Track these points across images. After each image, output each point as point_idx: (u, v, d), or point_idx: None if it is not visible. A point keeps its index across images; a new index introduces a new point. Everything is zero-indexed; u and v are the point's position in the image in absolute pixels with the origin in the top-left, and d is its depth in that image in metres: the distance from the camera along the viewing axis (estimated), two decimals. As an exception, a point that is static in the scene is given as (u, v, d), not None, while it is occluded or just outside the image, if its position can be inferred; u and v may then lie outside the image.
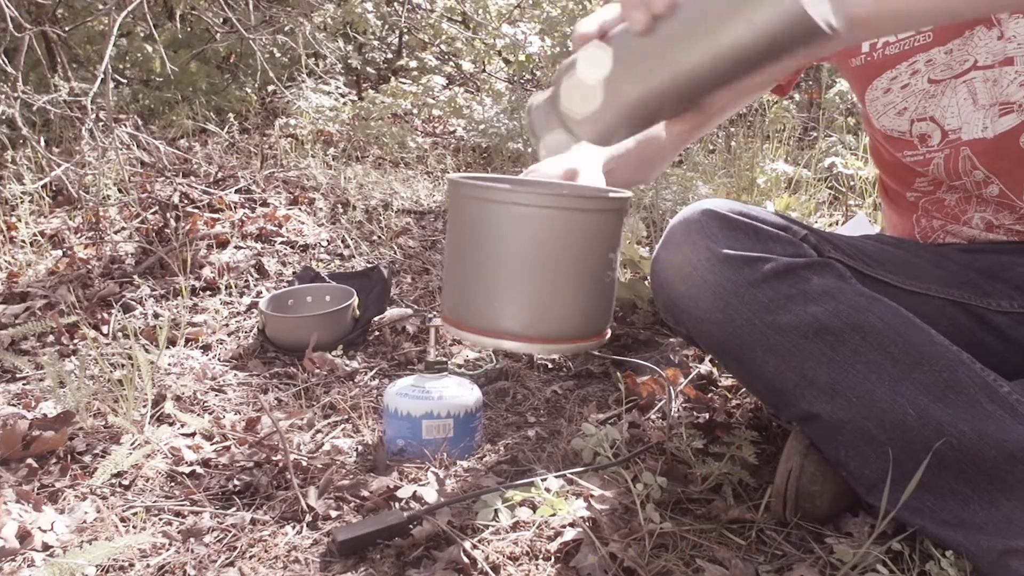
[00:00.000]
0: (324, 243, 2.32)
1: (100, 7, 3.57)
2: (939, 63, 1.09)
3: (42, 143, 2.58)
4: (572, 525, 0.97)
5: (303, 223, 2.48)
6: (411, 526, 0.98)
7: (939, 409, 0.90)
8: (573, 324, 0.85)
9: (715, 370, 1.45)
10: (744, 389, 1.36)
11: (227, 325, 1.79)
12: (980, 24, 1.05)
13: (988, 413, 0.90)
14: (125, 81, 3.83)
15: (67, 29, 3.31)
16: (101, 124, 2.70)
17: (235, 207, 2.59)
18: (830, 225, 2.38)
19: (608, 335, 0.91)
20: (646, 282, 1.74)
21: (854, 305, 0.94)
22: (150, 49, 3.89)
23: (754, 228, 0.99)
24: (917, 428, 0.91)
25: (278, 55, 4.10)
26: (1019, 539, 0.88)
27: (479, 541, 0.97)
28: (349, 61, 4.18)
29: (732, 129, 3.43)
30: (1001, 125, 1.07)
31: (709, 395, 1.37)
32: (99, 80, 2.37)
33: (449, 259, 0.88)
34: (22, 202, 2.37)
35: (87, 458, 1.22)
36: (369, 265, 2.02)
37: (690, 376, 1.41)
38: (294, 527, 1.03)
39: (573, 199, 0.85)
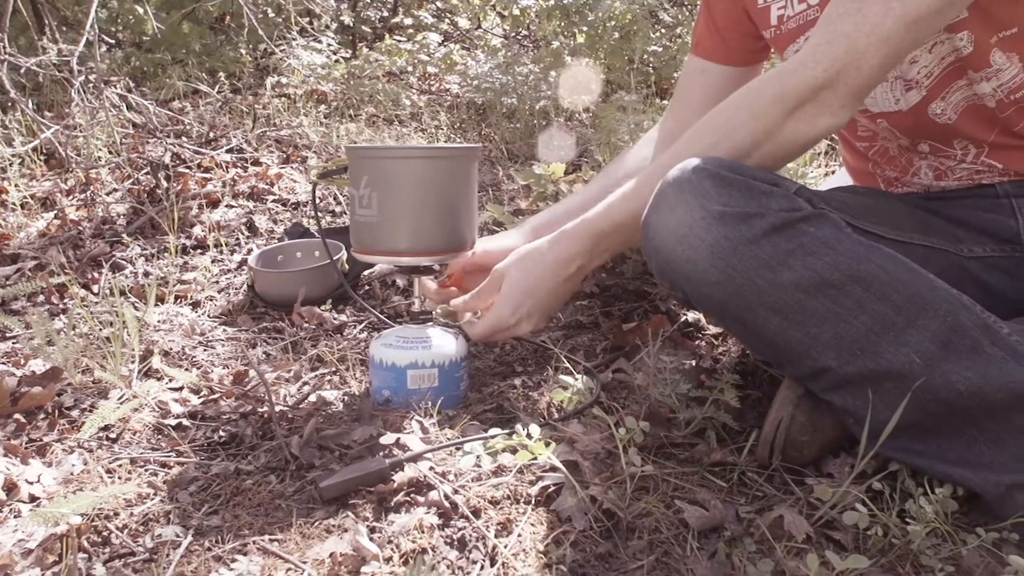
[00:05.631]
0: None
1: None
2: None
3: (30, 106, 2.56)
4: (553, 470, 0.98)
5: (295, 181, 2.46)
6: (393, 473, 0.99)
7: (944, 355, 0.90)
8: (444, 239, 1.18)
9: (702, 317, 1.44)
10: (734, 338, 1.36)
11: (217, 282, 1.78)
12: None
13: (991, 356, 0.90)
14: (114, 43, 3.79)
15: (51, -11, 3.26)
16: (90, 86, 2.67)
17: (227, 166, 2.58)
18: (825, 175, 2.35)
19: (471, 249, 1.23)
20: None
21: (853, 255, 0.93)
22: (141, 11, 3.85)
23: (747, 184, 0.95)
24: (923, 375, 0.91)
25: (271, 15, 4.04)
26: None
27: (460, 487, 0.97)
28: (342, 19, 4.12)
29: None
30: (911, 99, 1.09)
31: (696, 342, 1.37)
32: (83, 41, 2.34)
33: (352, 207, 1.19)
34: (11, 164, 2.36)
35: (75, 413, 1.23)
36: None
37: (676, 323, 1.41)
38: (278, 476, 1.04)
39: (434, 150, 1.20)
